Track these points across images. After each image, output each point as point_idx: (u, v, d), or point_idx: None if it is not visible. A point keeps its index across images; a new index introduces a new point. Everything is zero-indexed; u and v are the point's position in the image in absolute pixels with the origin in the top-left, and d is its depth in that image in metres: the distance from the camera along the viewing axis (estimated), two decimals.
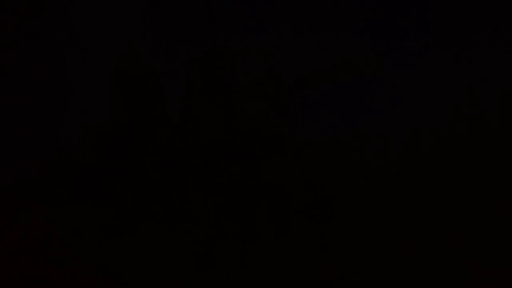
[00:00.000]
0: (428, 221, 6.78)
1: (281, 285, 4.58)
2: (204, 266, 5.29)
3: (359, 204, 7.34)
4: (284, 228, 6.66)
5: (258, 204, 4.23)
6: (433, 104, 7.73)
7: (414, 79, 7.70)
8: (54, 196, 6.36)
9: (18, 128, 6.12)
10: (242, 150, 4.10)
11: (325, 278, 4.76)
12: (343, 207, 7.41)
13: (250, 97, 5.22)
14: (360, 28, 7.65)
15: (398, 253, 5.30)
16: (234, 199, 7.04)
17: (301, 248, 5.82)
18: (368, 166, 8.17)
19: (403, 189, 7.73)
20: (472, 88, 7.45)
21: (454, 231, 6.22)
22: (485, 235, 5.77)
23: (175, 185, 7.25)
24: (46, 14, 6.22)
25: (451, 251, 5.25)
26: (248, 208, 3.85)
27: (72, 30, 6.43)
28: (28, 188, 5.83)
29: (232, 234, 3.85)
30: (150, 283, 4.95)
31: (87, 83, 6.67)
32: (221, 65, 7.51)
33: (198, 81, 7.12)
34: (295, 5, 7.66)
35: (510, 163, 7.30)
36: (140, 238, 6.09)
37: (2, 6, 5.86)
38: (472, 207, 7.19)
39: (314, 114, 7.51)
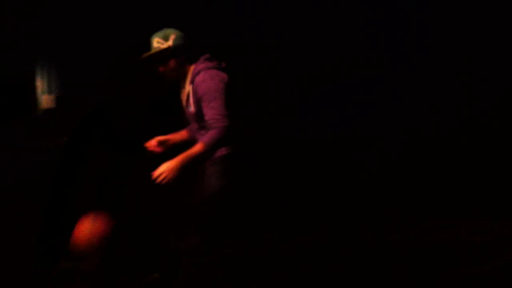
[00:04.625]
0: (428, 221, 6.78)
1: (280, 285, 4.58)
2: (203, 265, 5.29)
3: (359, 204, 7.34)
4: (284, 228, 6.65)
5: (258, 204, 4.23)
6: (433, 104, 7.74)
7: (414, 79, 7.71)
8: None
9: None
10: (242, 150, 4.11)
11: (325, 277, 4.76)
12: (343, 207, 7.42)
13: (250, 97, 5.21)
14: (360, 28, 7.65)
15: (398, 253, 5.30)
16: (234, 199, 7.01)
17: (300, 248, 5.82)
18: (368, 166, 8.17)
19: (403, 189, 7.74)
20: (472, 88, 7.46)
21: (453, 231, 6.23)
22: (486, 236, 5.77)
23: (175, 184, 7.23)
24: (44, 13, 6.22)
25: (451, 252, 5.25)
26: (247, 208, 3.84)
27: (71, 29, 6.43)
28: (28, 188, 5.83)
29: (232, 234, 3.86)
30: (149, 283, 4.95)
31: (86, 82, 6.67)
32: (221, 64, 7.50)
33: None
34: (295, 5, 7.67)
35: (510, 164, 7.31)
36: (139, 237, 6.08)
37: (2, 6, 5.86)
38: (472, 207, 7.21)
39: (314, 114, 7.50)
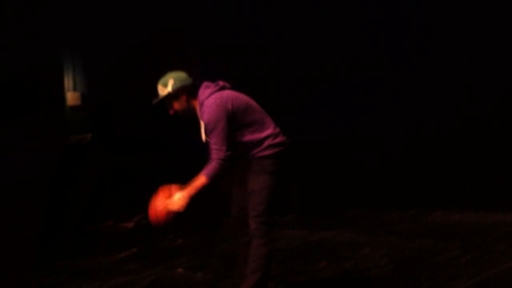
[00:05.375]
0: (428, 222, 6.80)
1: (281, 284, 4.59)
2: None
3: (358, 204, 7.35)
4: (283, 228, 6.66)
5: None
6: (433, 104, 7.75)
7: (414, 79, 7.72)
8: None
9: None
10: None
11: (326, 276, 4.77)
12: (342, 207, 7.43)
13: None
14: (360, 28, 7.66)
15: (397, 255, 5.31)
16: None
17: (300, 247, 5.83)
18: (368, 166, 8.18)
19: (402, 189, 7.75)
20: (472, 88, 7.46)
21: (452, 231, 6.25)
22: (487, 238, 5.78)
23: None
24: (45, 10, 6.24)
25: (450, 254, 5.26)
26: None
27: (98, 26, 6.49)
28: (28, 188, 5.85)
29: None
30: (150, 280, 4.96)
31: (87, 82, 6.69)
32: (221, 63, 7.51)
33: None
34: (295, 5, 7.67)
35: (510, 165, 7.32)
36: (139, 234, 6.10)
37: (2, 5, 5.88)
38: (473, 205, 7.24)
39: (314, 114, 7.51)
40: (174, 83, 4.07)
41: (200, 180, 3.95)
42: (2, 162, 5.77)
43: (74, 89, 6.38)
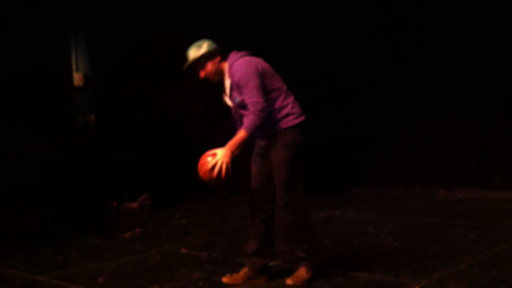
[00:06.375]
0: (433, 200, 6.78)
1: (286, 263, 4.58)
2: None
3: (359, 203, 7.35)
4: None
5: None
6: (433, 104, 7.74)
7: (414, 79, 7.71)
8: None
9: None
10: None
11: (330, 255, 4.77)
12: (347, 186, 7.45)
13: None
14: (360, 28, 7.65)
15: (402, 233, 5.29)
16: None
17: None
18: (368, 166, 8.18)
19: (402, 189, 7.74)
20: (472, 88, 7.46)
21: (457, 209, 6.23)
22: (492, 216, 5.76)
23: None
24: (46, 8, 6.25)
25: (455, 231, 5.24)
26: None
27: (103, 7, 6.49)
28: (28, 188, 5.84)
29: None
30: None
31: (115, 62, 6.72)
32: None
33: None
34: (295, 5, 7.67)
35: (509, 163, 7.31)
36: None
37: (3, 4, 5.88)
38: (476, 186, 7.26)
39: (314, 114, 7.49)
40: (209, 44, 4.22)
41: (240, 134, 3.98)
42: (2, 162, 5.76)
43: (77, 70, 6.42)
